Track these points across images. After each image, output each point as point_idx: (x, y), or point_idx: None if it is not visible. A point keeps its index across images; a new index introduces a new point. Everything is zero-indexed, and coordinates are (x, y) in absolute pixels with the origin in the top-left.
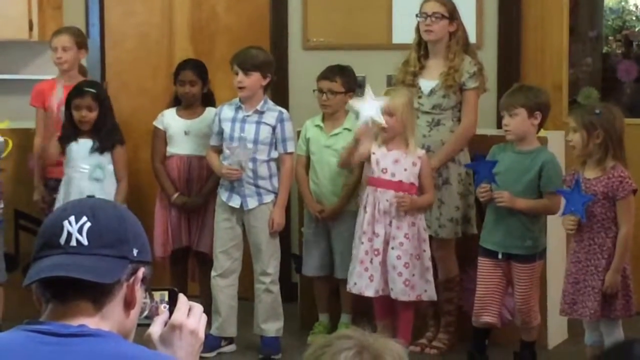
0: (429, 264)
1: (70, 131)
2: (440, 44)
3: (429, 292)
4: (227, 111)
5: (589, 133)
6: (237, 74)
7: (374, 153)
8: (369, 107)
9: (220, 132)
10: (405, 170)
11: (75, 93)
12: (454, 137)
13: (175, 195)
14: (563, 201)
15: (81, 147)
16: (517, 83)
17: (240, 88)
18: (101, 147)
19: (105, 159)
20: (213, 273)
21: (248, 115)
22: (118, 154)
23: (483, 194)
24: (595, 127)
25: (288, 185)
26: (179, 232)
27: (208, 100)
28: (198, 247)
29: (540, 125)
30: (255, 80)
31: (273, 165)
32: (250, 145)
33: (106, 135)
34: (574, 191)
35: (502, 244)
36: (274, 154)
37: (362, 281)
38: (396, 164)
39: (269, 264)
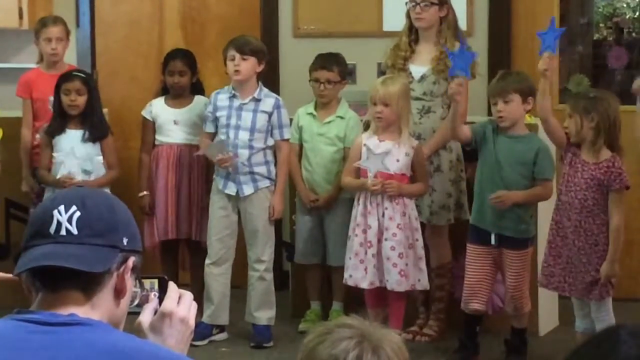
0: (422, 252)
1: (59, 123)
2: (432, 30)
3: (423, 282)
4: (222, 99)
5: (583, 117)
6: (232, 58)
7: (365, 145)
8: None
9: (214, 119)
10: (398, 161)
11: (64, 79)
12: (445, 125)
13: (143, 193)
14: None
15: (72, 137)
16: (502, 70)
17: (236, 72)
18: (92, 136)
19: (94, 150)
20: (207, 261)
21: (245, 103)
22: (109, 144)
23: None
24: (589, 111)
25: (285, 171)
26: (170, 221)
27: (197, 89)
28: (191, 236)
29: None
30: (251, 65)
31: (269, 152)
32: (243, 133)
33: (97, 124)
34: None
35: (496, 225)
36: (270, 142)
37: (358, 273)
38: (387, 155)
39: (264, 251)
